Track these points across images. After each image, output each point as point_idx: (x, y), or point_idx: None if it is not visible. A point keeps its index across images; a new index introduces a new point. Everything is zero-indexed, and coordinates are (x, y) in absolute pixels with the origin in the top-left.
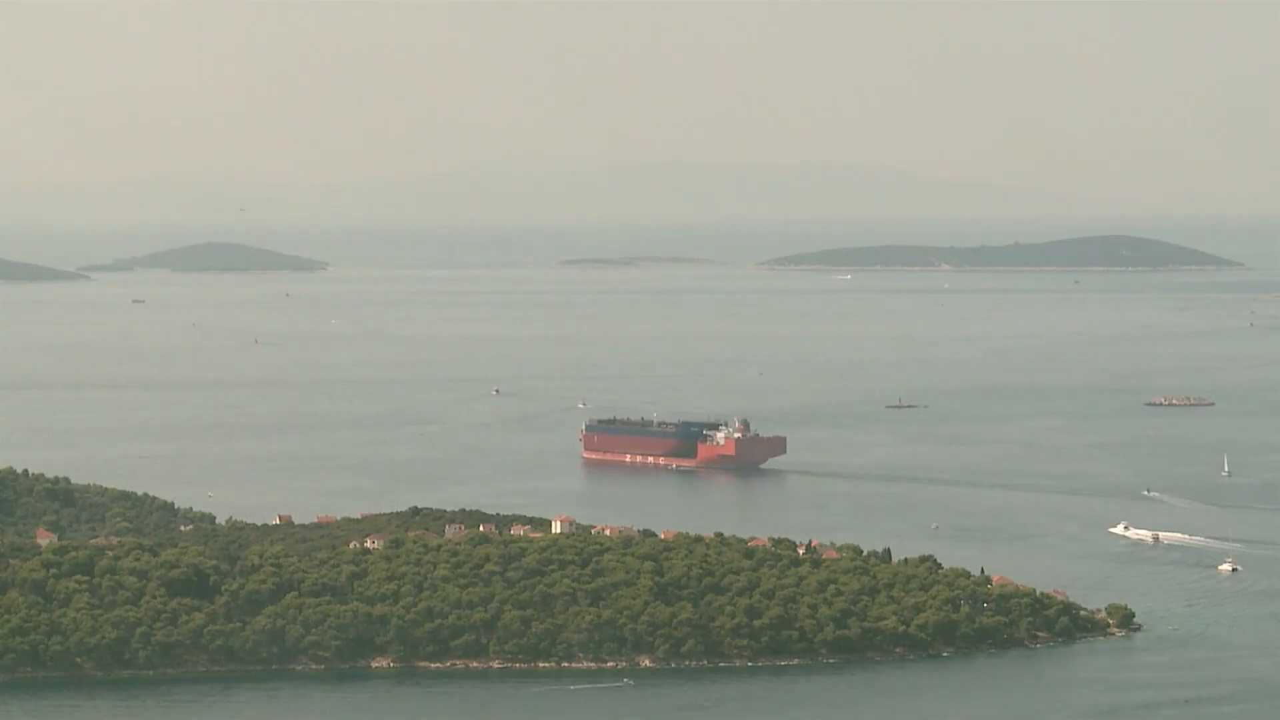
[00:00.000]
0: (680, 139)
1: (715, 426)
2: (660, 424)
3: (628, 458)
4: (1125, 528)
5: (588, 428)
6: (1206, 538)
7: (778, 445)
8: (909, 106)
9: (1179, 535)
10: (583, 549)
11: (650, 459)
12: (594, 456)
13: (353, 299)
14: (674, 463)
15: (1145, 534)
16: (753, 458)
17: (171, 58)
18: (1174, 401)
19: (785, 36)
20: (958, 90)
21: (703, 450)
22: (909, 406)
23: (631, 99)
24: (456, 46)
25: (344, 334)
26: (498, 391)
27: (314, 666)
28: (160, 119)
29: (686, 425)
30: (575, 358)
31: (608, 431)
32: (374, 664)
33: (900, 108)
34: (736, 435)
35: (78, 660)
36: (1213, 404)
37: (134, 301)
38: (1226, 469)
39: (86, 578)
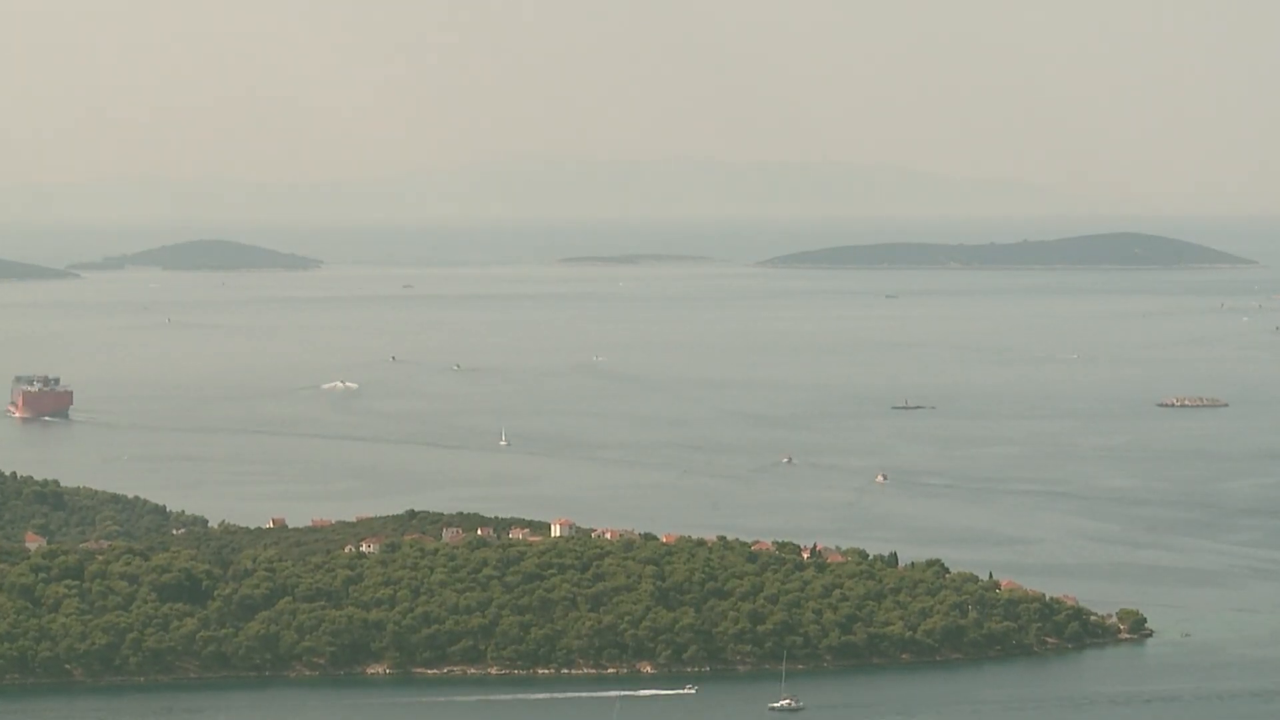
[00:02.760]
0: (683, 135)
1: (30, 382)
2: (19, 379)
3: None
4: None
5: None
6: None
7: (65, 399)
8: (915, 103)
9: None
10: (583, 553)
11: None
12: None
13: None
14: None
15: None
16: (40, 409)
17: (166, 53)
18: (1186, 402)
19: (790, 31)
20: (965, 86)
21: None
22: (915, 408)
23: (634, 95)
24: (456, 42)
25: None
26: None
27: (308, 673)
28: (155, 115)
29: (17, 380)
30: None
31: None
32: (369, 670)
33: (907, 104)
34: (29, 390)
35: (67, 667)
36: (1226, 405)
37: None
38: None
39: (76, 582)
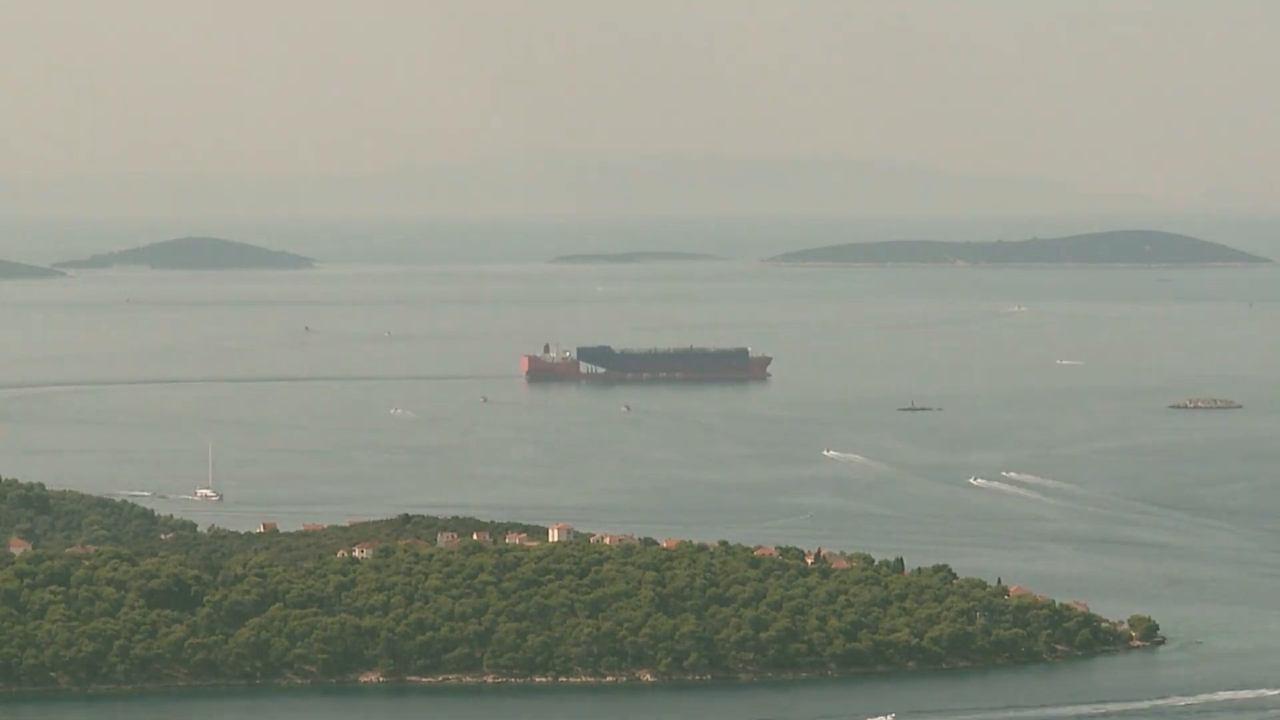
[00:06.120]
0: (685, 131)
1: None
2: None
3: None
4: None
5: None
6: None
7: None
8: (922, 98)
9: None
10: (581, 558)
11: None
12: None
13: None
14: None
15: None
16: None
17: (155, 46)
18: (1200, 404)
19: (793, 25)
20: (973, 82)
21: None
22: (922, 409)
23: (635, 89)
24: (452, 35)
25: None
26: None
27: (299, 681)
28: (143, 109)
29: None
30: None
31: None
32: (363, 678)
33: (913, 99)
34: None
35: (52, 674)
36: (1240, 407)
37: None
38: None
39: (62, 588)
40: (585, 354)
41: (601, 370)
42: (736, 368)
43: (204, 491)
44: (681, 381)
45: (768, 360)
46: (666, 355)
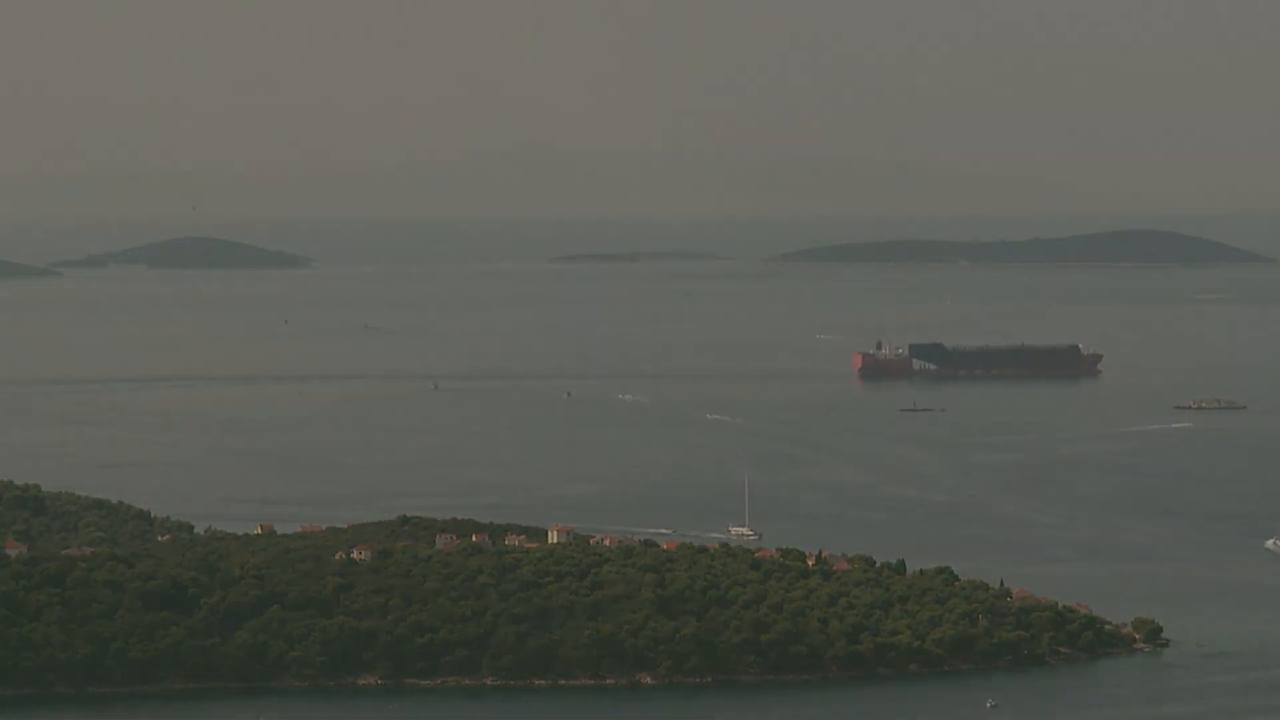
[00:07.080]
0: (685, 130)
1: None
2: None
3: None
4: None
5: None
6: None
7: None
8: (923, 96)
9: None
10: (581, 560)
11: None
12: None
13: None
14: None
15: None
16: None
17: (147, 41)
18: (1204, 405)
19: (794, 24)
20: (973, 79)
21: None
22: (924, 410)
23: (635, 86)
24: (450, 30)
25: None
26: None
27: (297, 683)
28: (138, 106)
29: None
30: None
31: None
32: (361, 681)
33: (914, 97)
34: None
35: (49, 677)
36: (1244, 408)
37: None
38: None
39: (58, 590)
40: (918, 351)
41: (934, 367)
42: (1068, 365)
43: (739, 529)
44: (1013, 379)
45: (1099, 357)
46: (998, 353)
